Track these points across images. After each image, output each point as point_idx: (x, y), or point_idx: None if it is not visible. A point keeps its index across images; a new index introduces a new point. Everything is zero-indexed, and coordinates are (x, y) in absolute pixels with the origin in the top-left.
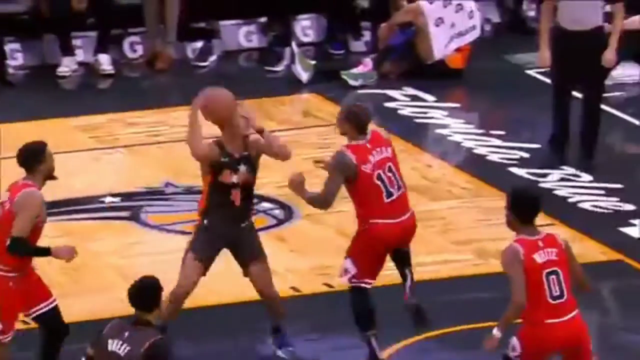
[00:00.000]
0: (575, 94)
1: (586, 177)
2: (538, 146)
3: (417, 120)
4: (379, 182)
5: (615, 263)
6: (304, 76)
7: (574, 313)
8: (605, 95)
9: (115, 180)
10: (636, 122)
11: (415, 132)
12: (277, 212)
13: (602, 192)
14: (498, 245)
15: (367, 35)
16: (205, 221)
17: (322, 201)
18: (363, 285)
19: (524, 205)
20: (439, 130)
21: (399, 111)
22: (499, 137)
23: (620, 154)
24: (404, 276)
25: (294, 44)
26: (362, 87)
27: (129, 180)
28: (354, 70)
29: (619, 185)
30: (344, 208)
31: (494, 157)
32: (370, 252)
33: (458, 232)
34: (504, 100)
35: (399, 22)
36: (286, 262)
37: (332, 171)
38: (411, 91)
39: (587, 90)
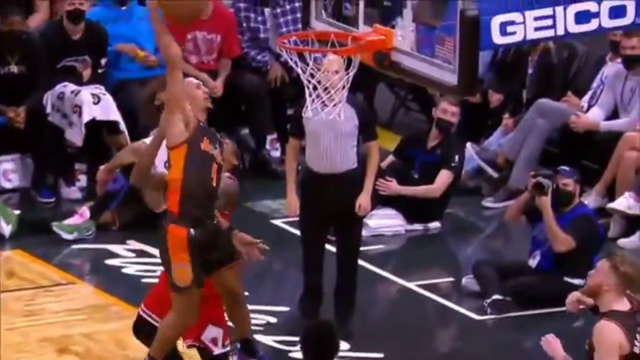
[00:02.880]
0: (328, 246)
1: (343, 345)
2: (286, 309)
3: (145, 280)
4: None
5: None
6: (6, 229)
7: None
8: (361, 248)
9: None
10: (396, 279)
11: (142, 295)
12: None
13: None
14: None
15: (82, 180)
16: None
17: None
18: None
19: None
20: None
21: (123, 270)
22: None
23: (381, 317)
24: None
25: None
26: (77, 241)
27: None
28: (68, 222)
29: (379, 355)
30: None
31: None
32: None
33: None
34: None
35: (120, 164)
36: None
37: None
38: (137, 245)
39: (341, 242)
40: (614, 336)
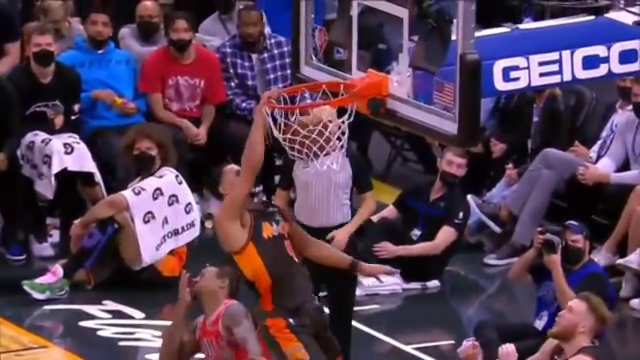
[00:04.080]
0: None
1: None
2: None
3: (122, 344)
4: None
5: None
6: None
7: None
8: (355, 308)
9: None
10: (392, 341)
11: (119, 359)
12: None
13: None
14: None
15: (55, 235)
16: None
17: None
18: None
19: None
20: (149, 356)
21: (99, 332)
22: None
23: None
24: None
25: None
26: (49, 301)
27: None
28: (40, 280)
29: None
30: None
31: None
32: None
33: None
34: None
35: (96, 218)
36: None
37: None
38: (113, 306)
39: (334, 302)
40: None
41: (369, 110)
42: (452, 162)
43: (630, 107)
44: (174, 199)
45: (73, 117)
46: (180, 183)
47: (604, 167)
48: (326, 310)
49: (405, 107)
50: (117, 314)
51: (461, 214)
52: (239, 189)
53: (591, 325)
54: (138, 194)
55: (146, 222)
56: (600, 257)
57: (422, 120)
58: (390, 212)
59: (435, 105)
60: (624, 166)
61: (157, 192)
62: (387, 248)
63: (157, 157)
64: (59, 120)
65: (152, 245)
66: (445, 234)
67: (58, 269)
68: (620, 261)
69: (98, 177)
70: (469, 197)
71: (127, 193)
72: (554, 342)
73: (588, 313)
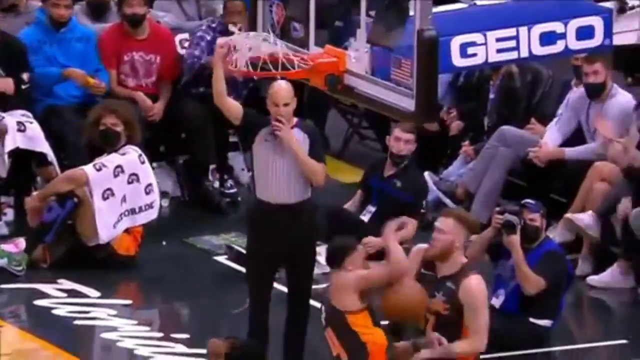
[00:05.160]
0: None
1: None
2: None
3: (77, 323)
4: None
5: None
6: None
7: None
8: (314, 287)
9: None
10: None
11: (74, 338)
12: None
13: None
14: None
15: (9, 214)
16: None
17: None
18: None
19: None
20: (105, 335)
21: (54, 311)
22: (182, 341)
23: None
24: None
25: None
26: (4, 280)
27: None
28: (1, 246)
29: None
30: None
31: None
32: None
33: None
34: (187, 296)
35: (54, 193)
36: None
37: None
38: (68, 285)
39: (293, 280)
40: (484, 288)
41: (327, 86)
42: (400, 139)
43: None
44: (134, 178)
45: (23, 87)
46: (142, 163)
47: (551, 140)
48: (284, 288)
49: (362, 83)
50: (72, 293)
51: (424, 202)
52: (378, 276)
53: (464, 237)
54: (99, 170)
55: (105, 198)
56: (557, 234)
57: (380, 97)
58: (354, 199)
59: (393, 82)
60: (573, 142)
61: (118, 170)
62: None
63: (122, 134)
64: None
65: (109, 223)
66: (413, 226)
67: (21, 242)
68: (569, 215)
69: (51, 156)
70: (426, 174)
71: (88, 168)
72: (421, 253)
73: (458, 226)
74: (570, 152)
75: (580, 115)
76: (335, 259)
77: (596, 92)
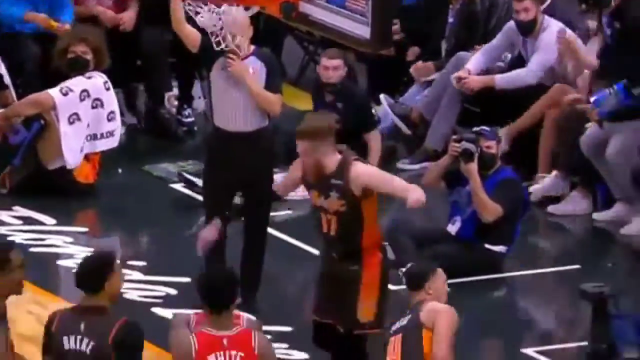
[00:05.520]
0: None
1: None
2: (186, 280)
3: (33, 250)
4: None
5: None
6: None
7: None
8: (272, 214)
9: None
10: (305, 247)
11: (30, 265)
12: None
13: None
14: None
15: None
16: None
17: None
18: None
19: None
20: (61, 262)
21: (9, 238)
22: (139, 269)
23: (290, 288)
24: None
25: None
26: None
27: None
28: None
29: (288, 329)
30: None
31: (133, 295)
32: None
33: None
34: (144, 223)
35: (18, 114)
36: None
37: None
38: (24, 212)
39: (249, 208)
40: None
41: (282, 13)
42: (328, 67)
43: None
44: (98, 103)
45: None
46: (107, 89)
47: (473, 65)
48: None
49: (318, 10)
50: (27, 220)
51: (375, 114)
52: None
53: (325, 140)
54: (65, 94)
55: (71, 123)
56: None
57: (335, 24)
58: None
59: (348, 9)
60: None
61: (84, 94)
62: None
63: (91, 62)
64: None
65: (76, 147)
66: (377, 140)
67: None
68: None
69: (7, 79)
70: (381, 97)
71: (54, 92)
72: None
73: (313, 141)
74: (501, 79)
75: (518, 46)
76: (416, 283)
77: (528, 29)
